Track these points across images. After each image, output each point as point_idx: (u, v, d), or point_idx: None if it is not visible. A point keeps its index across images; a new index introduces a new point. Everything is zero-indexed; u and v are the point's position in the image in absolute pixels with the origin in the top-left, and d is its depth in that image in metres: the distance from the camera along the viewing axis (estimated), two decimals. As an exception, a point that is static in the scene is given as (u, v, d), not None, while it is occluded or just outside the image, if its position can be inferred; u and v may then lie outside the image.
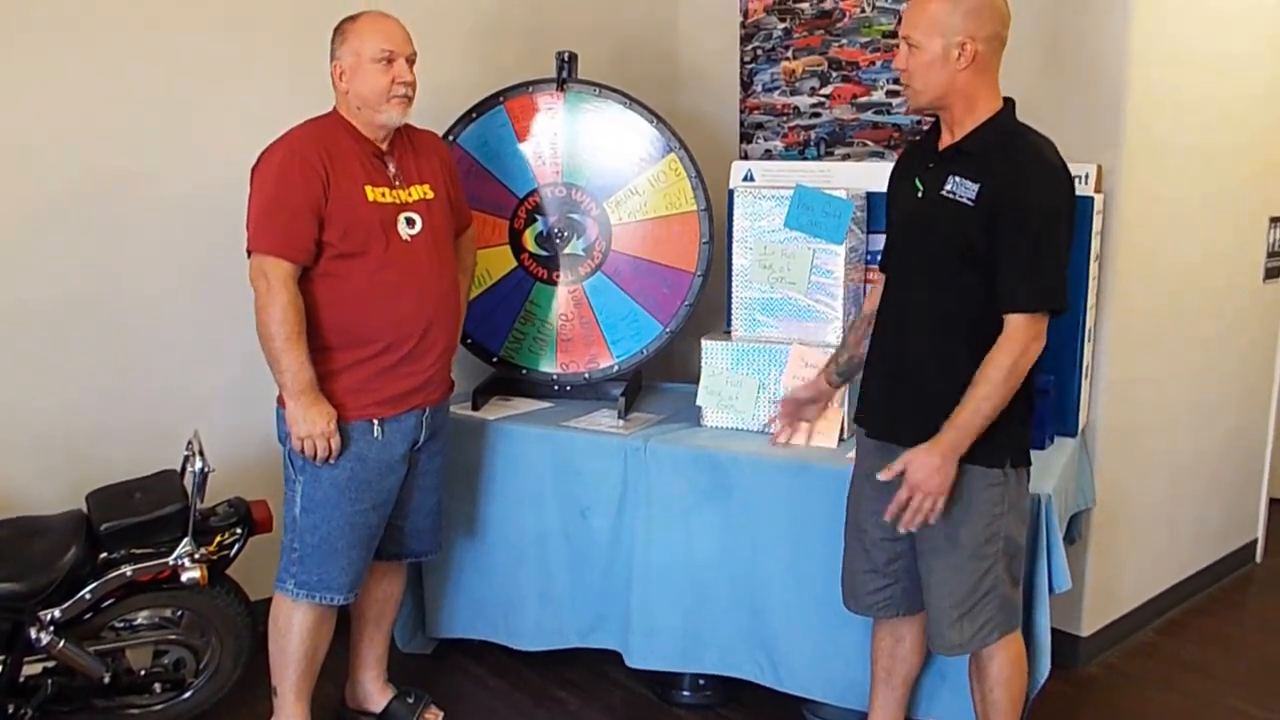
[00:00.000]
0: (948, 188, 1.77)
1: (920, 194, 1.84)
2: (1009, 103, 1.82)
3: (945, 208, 1.77)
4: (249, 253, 2.04)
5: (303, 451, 2.07)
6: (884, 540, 1.95)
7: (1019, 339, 1.72)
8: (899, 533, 1.82)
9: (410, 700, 2.42)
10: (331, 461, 2.08)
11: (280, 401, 2.11)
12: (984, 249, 1.74)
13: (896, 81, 2.94)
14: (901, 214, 1.91)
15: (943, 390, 1.79)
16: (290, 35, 2.64)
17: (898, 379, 1.88)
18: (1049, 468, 2.23)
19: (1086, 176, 2.45)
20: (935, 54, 1.75)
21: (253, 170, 2.07)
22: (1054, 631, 2.11)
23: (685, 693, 2.54)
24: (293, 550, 2.14)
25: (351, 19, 2.12)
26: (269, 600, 2.22)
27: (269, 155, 2.06)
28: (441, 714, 2.45)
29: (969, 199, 1.74)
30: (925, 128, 1.93)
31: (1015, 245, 1.71)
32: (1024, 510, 1.91)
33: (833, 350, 2.40)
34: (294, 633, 2.17)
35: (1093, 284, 2.48)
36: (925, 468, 1.74)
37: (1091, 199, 2.42)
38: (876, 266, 2.11)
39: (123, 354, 2.54)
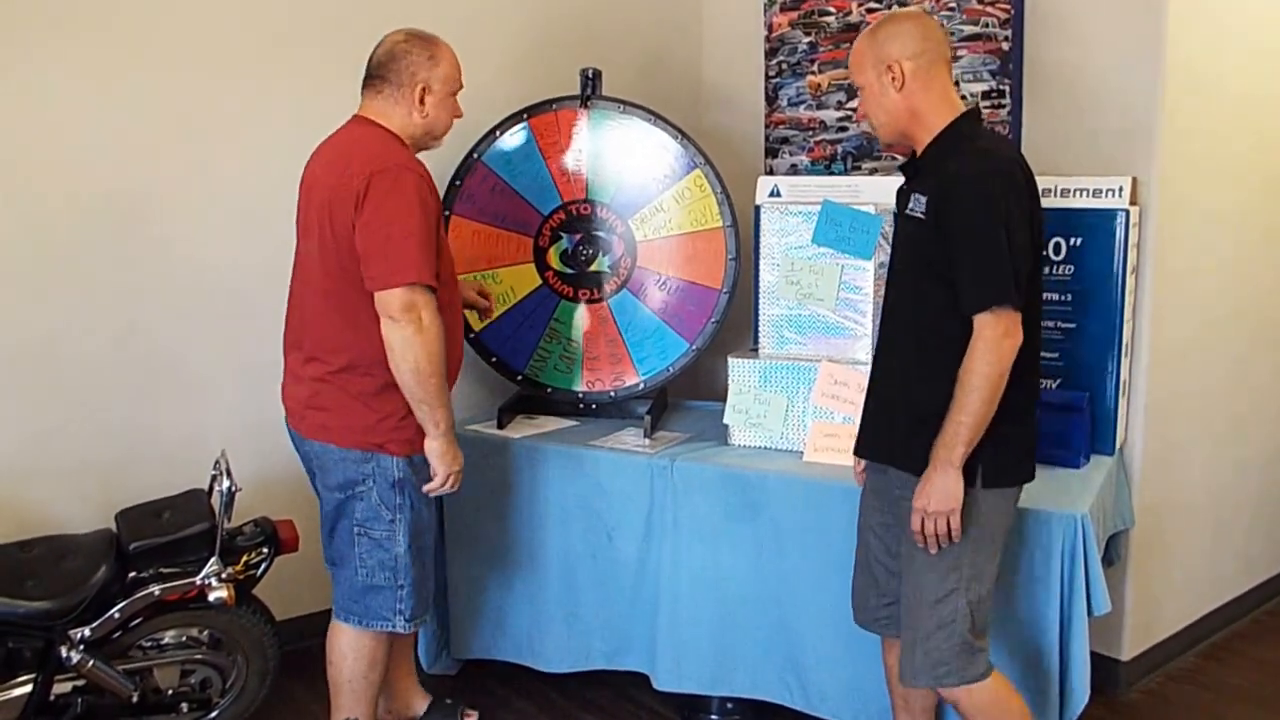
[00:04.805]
0: (910, 205, 1.80)
1: (897, 215, 1.87)
2: (967, 113, 1.79)
3: (911, 225, 1.81)
4: (385, 285, 1.87)
5: (450, 486, 2.07)
6: (884, 557, 1.94)
7: (985, 339, 1.69)
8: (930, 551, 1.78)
9: (449, 701, 2.44)
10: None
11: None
12: (939, 260, 1.74)
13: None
14: (893, 238, 1.94)
15: (927, 406, 1.76)
16: (319, 63, 2.66)
17: (883, 398, 1.89)
18: (1086, 487, 2.17)
19: (1121, 189, 2.40)
20: (873, 86, 1.80)
21: (374, 196, 1.88)
22: (1094, 656, 2.06)
23: (713, 716, 2.50)
24: (399, 588, 2.09)
25: (435, 41, 2.03)
26: (295, 620, 2.22)
27: (400, 182, 1.89)
28: (476, 714, 2.45)
29: (922, 213, 1.76)
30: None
31: (959, 250, 1.71)
32: (996, 540, 1.80)
33: (861, 367, 2.36)
34: (379, 664, 2.18)
35: (1129, 298, 2.43)
36: (923, 490, 1.74)
37: (1126, 211, 2.37)
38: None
39: (153, 377, 2.56)
